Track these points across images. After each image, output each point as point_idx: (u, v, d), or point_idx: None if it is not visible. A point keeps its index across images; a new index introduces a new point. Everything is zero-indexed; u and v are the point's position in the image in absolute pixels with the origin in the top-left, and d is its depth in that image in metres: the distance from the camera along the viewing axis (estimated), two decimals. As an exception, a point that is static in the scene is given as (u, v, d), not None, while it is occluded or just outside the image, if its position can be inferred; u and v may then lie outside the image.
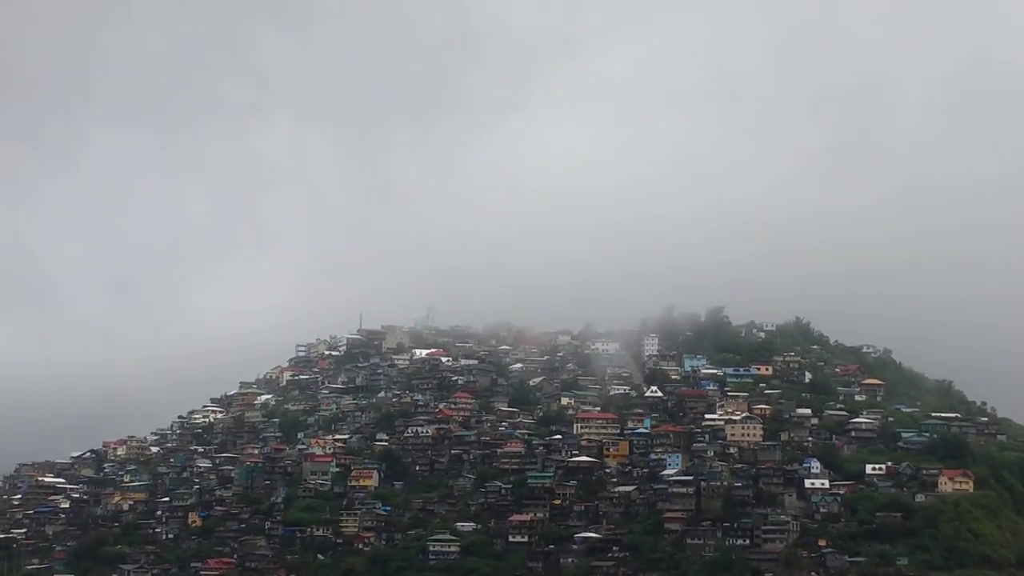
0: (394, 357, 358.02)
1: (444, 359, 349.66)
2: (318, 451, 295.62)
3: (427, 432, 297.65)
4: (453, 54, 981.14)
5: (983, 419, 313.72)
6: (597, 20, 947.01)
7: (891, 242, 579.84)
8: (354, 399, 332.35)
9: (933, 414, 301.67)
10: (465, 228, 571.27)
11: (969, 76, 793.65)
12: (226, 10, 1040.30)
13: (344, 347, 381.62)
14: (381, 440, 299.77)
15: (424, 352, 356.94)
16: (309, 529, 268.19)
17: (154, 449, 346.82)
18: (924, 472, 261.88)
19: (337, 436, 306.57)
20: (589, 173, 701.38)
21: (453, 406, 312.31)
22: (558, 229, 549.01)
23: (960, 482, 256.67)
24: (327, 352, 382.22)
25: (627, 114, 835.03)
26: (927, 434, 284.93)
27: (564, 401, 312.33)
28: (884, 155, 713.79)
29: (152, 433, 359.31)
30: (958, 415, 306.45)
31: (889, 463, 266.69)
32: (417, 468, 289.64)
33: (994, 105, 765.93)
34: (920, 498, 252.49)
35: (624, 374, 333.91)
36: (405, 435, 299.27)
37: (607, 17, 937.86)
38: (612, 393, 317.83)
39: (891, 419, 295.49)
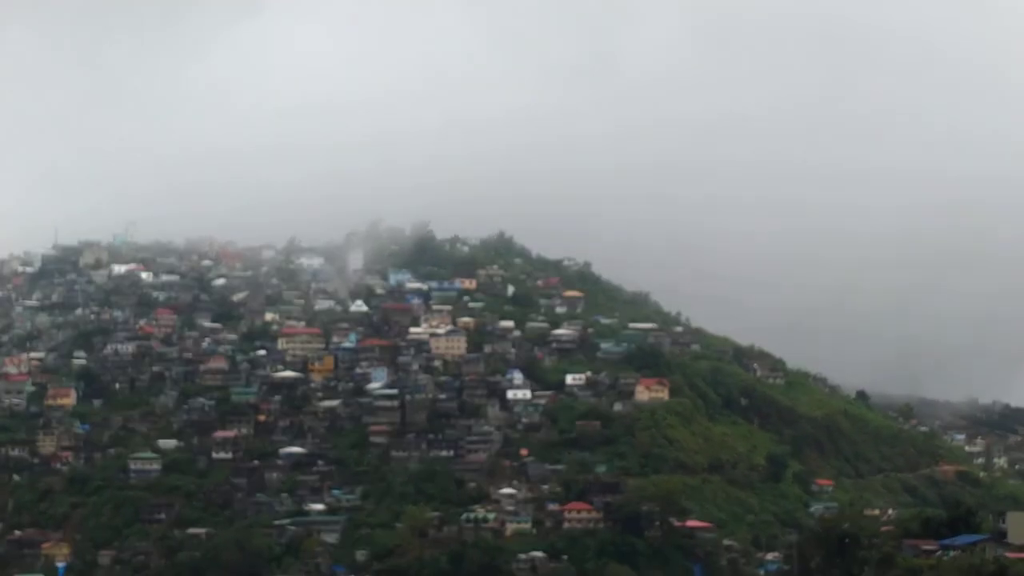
0: (92, 273, 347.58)
1: (144, 275, 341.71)
2: (12, 370, 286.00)
3: (127, 349, 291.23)
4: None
5: (678, 329, 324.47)
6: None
7: (595, 155, 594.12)
8: (50, 316, 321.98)
9: (631, 325, 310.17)
10: (184, 138, 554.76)
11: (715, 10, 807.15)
12: None
13: (39, 263, 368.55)
14: (79, 358, 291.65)
15: (123, 268, 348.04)
16: (4, 449, 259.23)
17: None
18: (622, 381, 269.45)
19: (32, 354, 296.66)
20: (324, 82, 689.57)
21: (154, 323, 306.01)
22: (282, 141, 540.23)
23: (656, 390, 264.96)
24: (20, 268, 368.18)
25: (371, 19, 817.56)
26: (625, 344, 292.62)
27: (268, 316, 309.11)
28: (625, 84, 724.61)
29: None
30: (654, 325, 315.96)
31: (589, 373, 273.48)
32: (117, 386, 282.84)
33: (737, 41, 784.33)
34: (618, 407, 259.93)
35: (329, 289, 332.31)
36: (104, 353, 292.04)
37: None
38: (317, 308, 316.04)
39: (591, 330, 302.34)
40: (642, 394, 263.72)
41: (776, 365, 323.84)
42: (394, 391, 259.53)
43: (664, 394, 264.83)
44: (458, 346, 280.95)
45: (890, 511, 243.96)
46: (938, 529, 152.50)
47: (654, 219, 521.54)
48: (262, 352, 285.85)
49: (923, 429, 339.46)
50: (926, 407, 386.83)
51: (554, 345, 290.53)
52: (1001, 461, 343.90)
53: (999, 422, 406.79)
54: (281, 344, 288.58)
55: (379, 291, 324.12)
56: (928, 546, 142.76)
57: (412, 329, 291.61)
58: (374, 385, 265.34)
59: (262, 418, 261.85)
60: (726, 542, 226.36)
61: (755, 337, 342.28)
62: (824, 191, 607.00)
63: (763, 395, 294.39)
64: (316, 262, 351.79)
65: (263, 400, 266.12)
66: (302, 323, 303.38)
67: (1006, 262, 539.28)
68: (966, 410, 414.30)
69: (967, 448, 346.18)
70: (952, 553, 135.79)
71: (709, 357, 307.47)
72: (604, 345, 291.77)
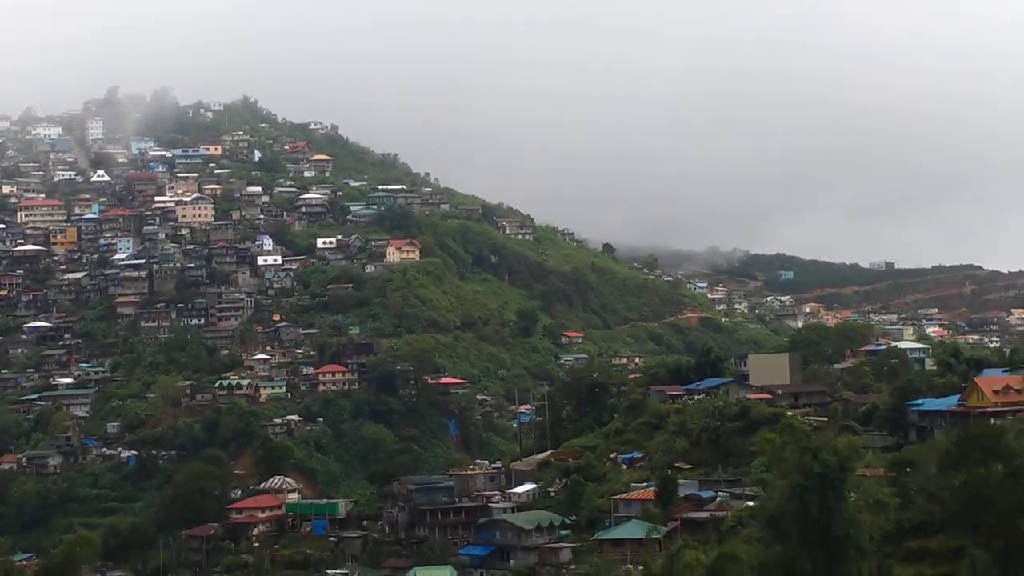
0: None
1: None
2: None
3: None
4: None
5: (427, 189, 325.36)
6: None
7: (341, 16, 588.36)
8: None
9: (380, 187, 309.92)
10: None
11: None
12: None
13: None
14: None
15: None
16: None
17: None
18: (372, 243, 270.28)
19: None
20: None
21: None
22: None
23: (407, 251, 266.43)
24: None
25: None
26: (374, 206, 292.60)
27: (5, 189, 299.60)
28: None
29: None
30: (404, 187, 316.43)
31: (339, 236, 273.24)
32: None
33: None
34: (369, 269, 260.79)
35: (69, 159, 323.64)
36: None
37: None
38: (57, 179, 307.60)
39: (340, 193, 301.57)
40: (393, 255, 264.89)
41: (525, 222, 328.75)
42: (141, 261, 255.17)
43: (415, 254, 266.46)
44: (205, 213, 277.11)
45: (637, 359, 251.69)
46: (686, 374, 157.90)
47: (402, 80, 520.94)
48: (1, 226, 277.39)
49: (667, 279, 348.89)
50: (670, 258, 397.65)
51: (303, 209, 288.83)
52: (742, 307, 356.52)
53: (739, 269, 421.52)
54: (20, 217, 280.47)
55: (121, 160, 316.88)
56: (674, 391, 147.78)
57: (157, 198, 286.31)
58: (120, 256, 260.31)
59: (4, 293, 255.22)
60: (480, 397, 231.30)
61: (504, 196, 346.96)
62: (591, 49, 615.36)
63: (512, 252, 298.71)
64: (54, 132, 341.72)
65: (4, 274, 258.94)
66: (42, 195, 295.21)
67: (751, 130, 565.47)
68: (708, 259, 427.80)
69: (709, 296, 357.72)
70: (697, 397, 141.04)
71: (458, 216, 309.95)
72: (354, 208, 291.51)
